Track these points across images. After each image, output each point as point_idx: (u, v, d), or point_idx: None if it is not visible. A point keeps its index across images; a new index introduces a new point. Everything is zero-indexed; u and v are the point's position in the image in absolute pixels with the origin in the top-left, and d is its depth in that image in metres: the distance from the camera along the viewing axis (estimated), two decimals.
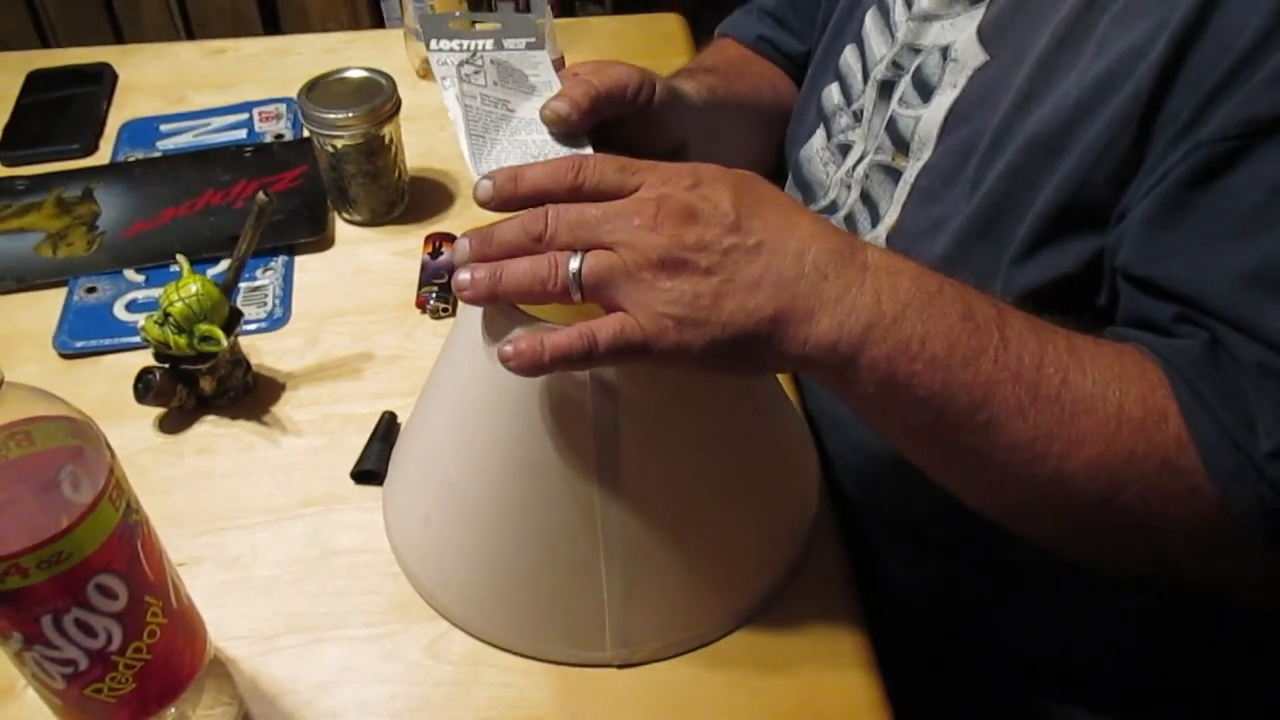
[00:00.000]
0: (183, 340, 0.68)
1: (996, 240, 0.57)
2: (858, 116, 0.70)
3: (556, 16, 1.04)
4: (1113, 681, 0.68)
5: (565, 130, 0.57)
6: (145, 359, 0.71)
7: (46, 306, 0.80)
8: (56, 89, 1.02)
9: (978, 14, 0.62)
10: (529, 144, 0.57)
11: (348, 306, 0.81)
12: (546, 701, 0.57)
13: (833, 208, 0.71)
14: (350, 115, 0.80)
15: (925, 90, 0.63)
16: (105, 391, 0.74)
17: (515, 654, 0.59)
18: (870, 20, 0.70)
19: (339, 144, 0.82)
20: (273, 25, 1.86)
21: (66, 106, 1.00)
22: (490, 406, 0.55)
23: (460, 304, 0.82)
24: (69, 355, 0.77)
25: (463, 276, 0.50)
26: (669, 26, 1.12)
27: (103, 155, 0.96)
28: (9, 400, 0.44)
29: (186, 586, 0.54)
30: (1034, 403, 0.48)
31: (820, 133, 0.74)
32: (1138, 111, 0.51)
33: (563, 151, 0.57)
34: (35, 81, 1.03)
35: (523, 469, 0.55)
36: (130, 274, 0.83)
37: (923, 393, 0.48)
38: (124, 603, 0.47)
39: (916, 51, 0.65)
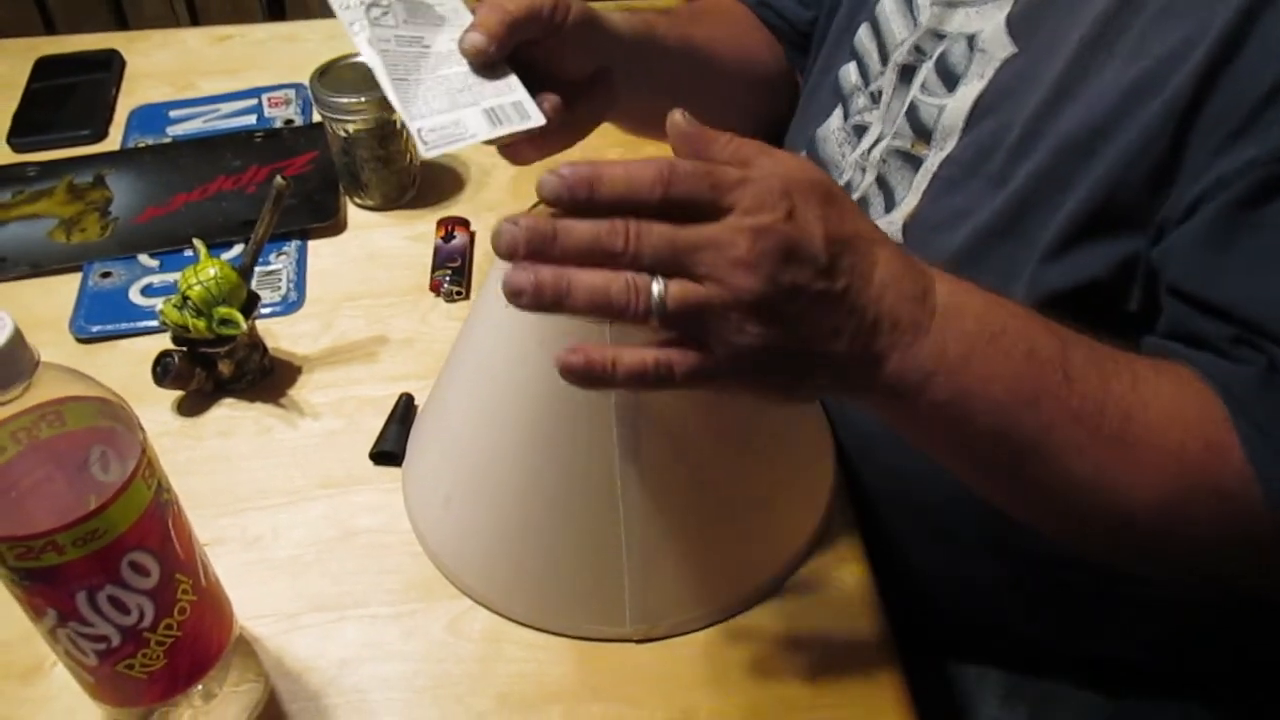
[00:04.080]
0: (202, 324, 0.68)
1: (1022, 238, 0.56)
2: (875, 98, 0.70)
3: None
4: (1128, 667, 0.68)
5: (485, 62, 0.57)
6: (161, 343, 0.72)
7: (62, 292, 0.81)
8: (65, 76, 1.02)
9: (1005, 3, 0.61)
10: (451, 78, 0.56)
11: (361, 290, 0.81)
12: (567, 676, 0.58)
13: (846, 189, 0.70)
14: (363, 100, 0.81)
15: (950, 79, 0.63)
16: (123, 375, 0.74)
17: (536, 630, 0.60)
18: (889, 1, 0.70)
19: (351, 129, 0.83)
20: (274, 10, 1.86)
21: (75, 93, 1.00)
22: (511, 385, 0.56)
23: (478, 288, 0.82)
24: (86, 340, 0.77)
25: (520, 279, 0.43)
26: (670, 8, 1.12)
27: (112, 141, 0.96)
28: (42, 381, 0.44)
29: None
30: (1095, 441, 0.48)
31: (838, 112, 0.73)
32: (1175, 117, 0.50)
33: (485, 83, 0.56)
34: (44, 68, 1.03)
35: (544, 446, 0.56)
36: (144, 259, 0.83)
37: (982, 432, 0.48)
38: (156, 580, 0.48)
39: (940, 37, 0.64)
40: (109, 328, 0.78)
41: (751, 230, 0.43)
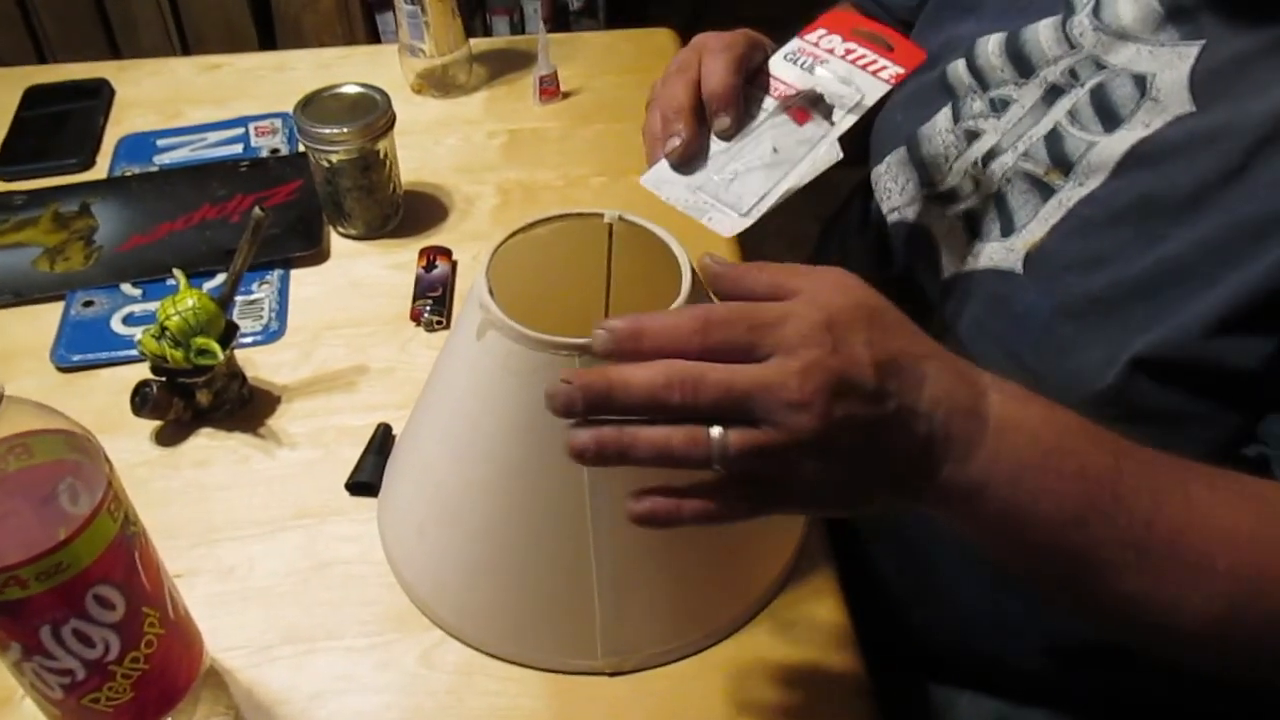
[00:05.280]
0: (179, 354, 0.68)
1: (1168, 301, 0.55)
2: (996, 106, 0.67)
3: (551, 32, 1.05)
4: (1124, 699, 0.68)
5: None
6: (142, 372, 0.72)
7: (44, 320, 0.81)
8: (54, 104, 1.03)
9: (1188, 54, 0.58)
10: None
11: (342, 319, 0.82)
12: (539, 709, 0.58)
13: (951, 196, 0.68)
14: (345, 130, 0.81)
15: (1109, 118, 0.60)
16: (103, 404, 0.74)
17: (509, 662, 0.60)
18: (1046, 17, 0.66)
19: (334, 159, 0.83)
20: (268, 41, 1.87)
21: (64, 122, 1.01)
22: (484, 418, 0.56)
23: (455, 318, 0.82)
24: (66, 369, 0.77)
25: (584, 438, 0.45)
26: (661, 41, 1.14)
27: (100, 170, 0.97)
28: (9, 414, 0.45)
29: (183, 597, 0.55)
30: (1140, 560, 0.48)
31: (946, 111, 0.70)
32: None
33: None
34: (33, 97, 1.04)
35: (515, 478, 0.56)
36: (127, 288, 0.84)
37: (1031, 546, 0.49)
38: (121, 613, 0.48)
39: (1100, 67, 0.61)
40: (90, 357, 0.78)
41: (800, 370, 0.44)
